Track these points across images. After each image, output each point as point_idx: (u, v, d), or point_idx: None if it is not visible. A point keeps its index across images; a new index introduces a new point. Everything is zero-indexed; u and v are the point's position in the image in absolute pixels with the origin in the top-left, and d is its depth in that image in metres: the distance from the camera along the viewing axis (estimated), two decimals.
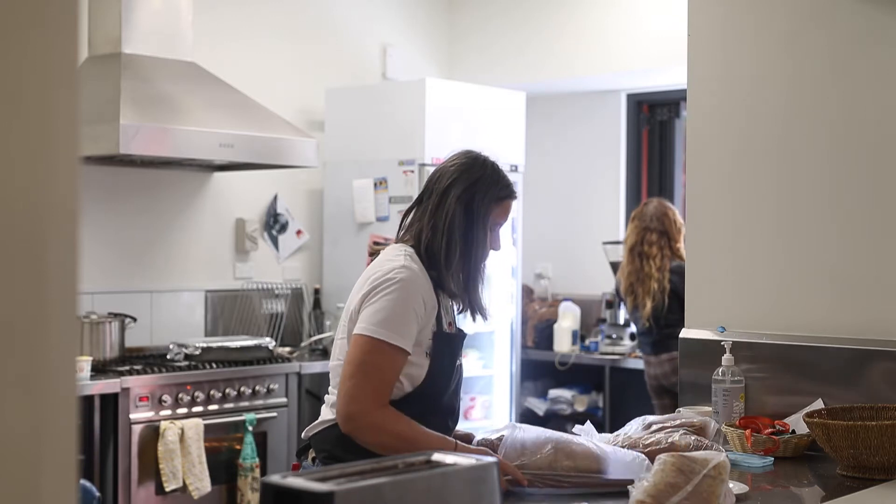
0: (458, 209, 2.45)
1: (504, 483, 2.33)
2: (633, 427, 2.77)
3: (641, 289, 5.23)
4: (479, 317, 2.55)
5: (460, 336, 2.57)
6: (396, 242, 2.57)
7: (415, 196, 5.52)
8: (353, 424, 2.35)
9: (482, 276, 2.53)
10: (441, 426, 2.50)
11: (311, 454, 2.53)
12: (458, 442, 2.43)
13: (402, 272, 2.40)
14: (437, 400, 2.51)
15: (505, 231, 2.67)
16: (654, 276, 5.17)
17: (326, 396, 2.53)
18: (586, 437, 2.78)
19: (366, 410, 2.34)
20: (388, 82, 6.21)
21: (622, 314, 6.03)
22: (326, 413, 2.50)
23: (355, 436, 2.37)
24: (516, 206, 5.81)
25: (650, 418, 2.79)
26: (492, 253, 2.55)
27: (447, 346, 2.49)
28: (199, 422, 4.55)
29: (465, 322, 2.65)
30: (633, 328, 5.97)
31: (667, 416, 2.80)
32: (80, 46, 1.03)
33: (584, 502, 2.31)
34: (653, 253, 5.21)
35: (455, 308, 2.58)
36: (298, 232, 5.85)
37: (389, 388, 2.37)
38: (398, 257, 2.45)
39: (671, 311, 5.11)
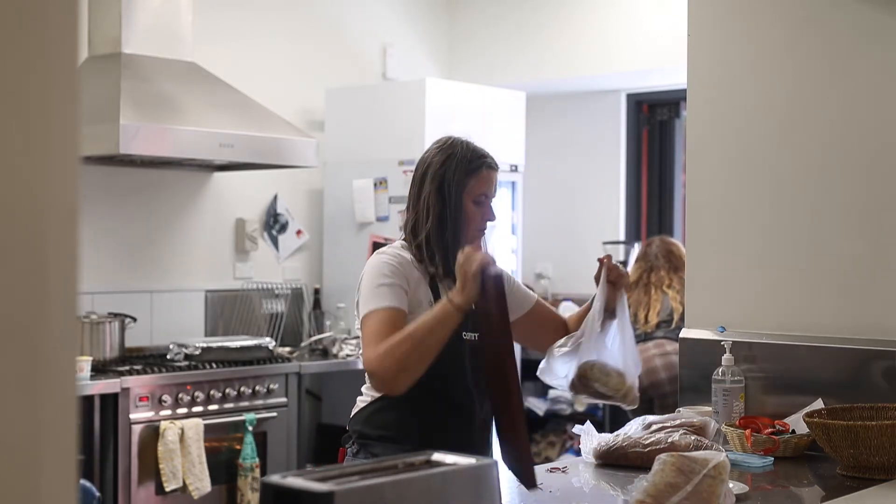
0: (433, 188, 2.60)
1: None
2: (634, 427, 2.77)
3: (648, 310, 5.17)
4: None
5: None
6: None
7: None
8: (377, 379, 2.44)
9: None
10: (451, 418, 2.55)
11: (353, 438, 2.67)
12: (449, 298, 2.40)
13: (373, 258, 2.58)
14: (440, 382, 2.54)
15: (505, 220, 2.75)
16: (676, 297, 5.09)
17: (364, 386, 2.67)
18: (587, 436, 2.78)
19: (370, 359, 2.42)
20: (388, 82, 6.21)
21: None
22: (363, 393, 2.65)
23: (387, 385, 2.44)
24: (517, 206, 5.86)
25: (650, 418, 2.79)
26: (490, 224, 2.66)
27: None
28: (199, 422, 4.55)
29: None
30: None
31: (667, 416, 2.81)
32: (80, 46, 1.03)
33: (585, 503, 2.31)
34: (665, 283, 5.15)
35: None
36: (298, 232, 5.85)
37: (382, 335, 2.43)
38: (386, 247, 2.64)
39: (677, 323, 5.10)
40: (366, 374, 2.61)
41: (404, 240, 2.65)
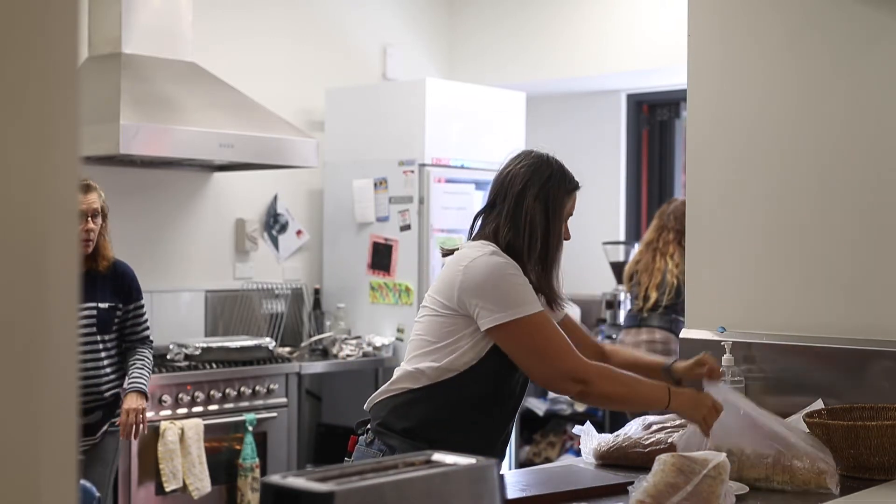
0: (538, 207, 2.60)
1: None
2: (634, 427, 2.77)
3: (649, 281, 5.25)
4: (556, 306, 2.67)
5: None
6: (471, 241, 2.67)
7: (415, 196, 5.55)
8: (584, 385, 2.46)
9: (558, 266, 2.65)
10: (479, 432, 2.55)
11: (369, 426, 2.63)
12: (672, 388, 2.50)
13: (493, 258, 2.53)
14: (487, 402, 2.56)
15: None
16: (672, 271, 5.18)
17: (396, 369, 2.62)
18: (587, 437, 2.78)
19: (585, 366, 2.47)
20: (388, 82, 6.21)
21: (622, 315, 6.03)
22: (388, 384, 2.61)
23: (590, 395, 2.50)
24: None
25: (650, 418, 2.79)
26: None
27: None
28: (199, 422, 4.55)
29: None
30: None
31: (667, 415, 2.80)
32: (80, 46, 1.03)
33: (584, 502, 2.31)
34: (669, 251, 5.23)
35: None
36: (298, 232, 5.85)
37: (569, 342, 2.50)
38: (483, 248, 2.57)
39: (671, 302, 5.17)
40: (406, 368, 2.57)
41: (489, 244, 2.58)
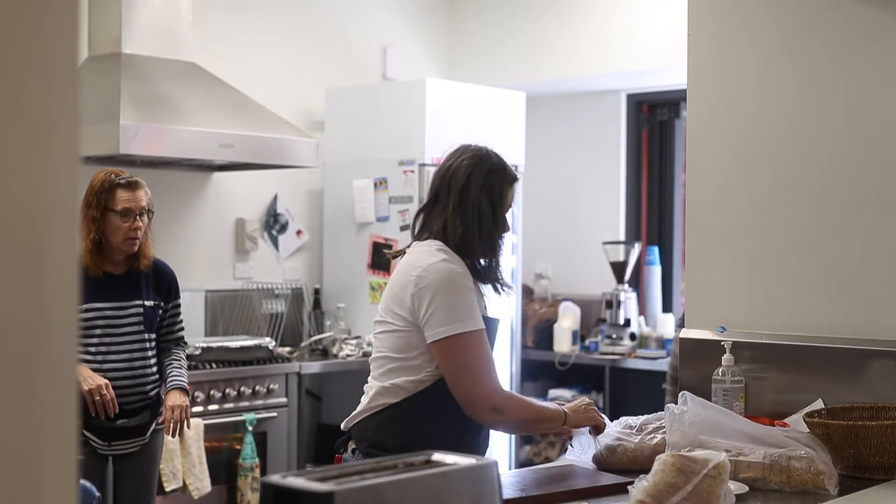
0: (484, 199, 2.61)
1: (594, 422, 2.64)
2: (628, 429, 2.75)
3: None
4: (504, 291, 2.71)
5: (496, 322, 2.69)
6: (417, 241, 2.66)
7: (415, 196, 5.54)
8: (500, 415, 2.53)
9: (502, 254, 2.70)
10: (470, 433, 2.59)
11: (351, 446, 2.61)
12: (567, 412, 2.64)
13: (446, 265, 2.53)
14: None
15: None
16: None
17: (366, 386, 2.61)
18: (580, 445, 2.78)
19: (502, 396, 2.55)
20: (388, 82, 6.21)
21: (622, 314, 6.04)
22: (367, 402, 2.58)
23: (504, 423, 2.60)
24: (516, 206, 5.86)
25: (643, 418, 2.79)
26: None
27: (489, 329, 2.61)
28: (199, 422, 4.54)
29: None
30: (632, 329, 5.99)
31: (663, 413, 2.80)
32: (80, 46, 1.03)
33: (584, 501, 2.31)
34: None
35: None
36: (298, 232, 5.85)
37: (492, 364, 2.56)
38: (435, 254, 2.56)
39: None
40: (380, 384, 2.56)
41: (440, 246, 2.58)
